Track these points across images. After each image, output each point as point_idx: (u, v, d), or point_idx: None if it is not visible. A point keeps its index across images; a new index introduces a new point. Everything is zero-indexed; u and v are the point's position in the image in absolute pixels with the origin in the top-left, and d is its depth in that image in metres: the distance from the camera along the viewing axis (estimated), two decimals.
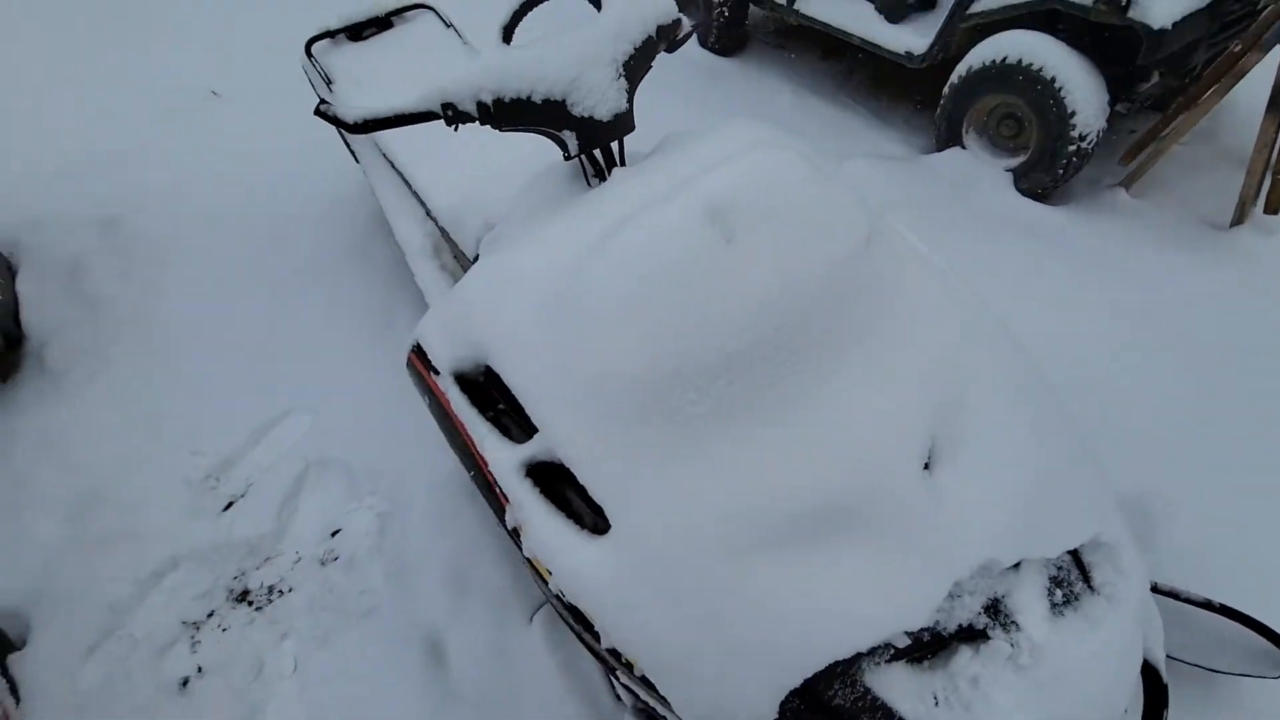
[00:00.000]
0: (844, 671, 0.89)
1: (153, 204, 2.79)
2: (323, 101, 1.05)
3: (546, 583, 1.06)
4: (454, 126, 1.11)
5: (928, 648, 0.92)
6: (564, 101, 1.10)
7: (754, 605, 0.89)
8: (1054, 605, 0.97)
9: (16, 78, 3.63)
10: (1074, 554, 1.03)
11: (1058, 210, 2.48)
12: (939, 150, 2.70)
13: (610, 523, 0.95)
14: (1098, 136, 2.29)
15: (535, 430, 1.03)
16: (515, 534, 1.09)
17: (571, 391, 0.96)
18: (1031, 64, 2.26)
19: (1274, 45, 1.98)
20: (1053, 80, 2.22)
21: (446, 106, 1.07)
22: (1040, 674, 0.90)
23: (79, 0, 4.32)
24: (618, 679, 1.10)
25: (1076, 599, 0.99)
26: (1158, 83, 2.44)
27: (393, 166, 1.93)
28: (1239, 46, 2.06)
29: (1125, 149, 2.51)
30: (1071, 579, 1.00)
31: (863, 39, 2.81)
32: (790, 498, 0.91)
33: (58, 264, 2.53)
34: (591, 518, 1.00)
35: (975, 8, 2.42)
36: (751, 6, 3.42)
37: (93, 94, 3.50)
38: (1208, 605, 1.26)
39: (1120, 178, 2.52)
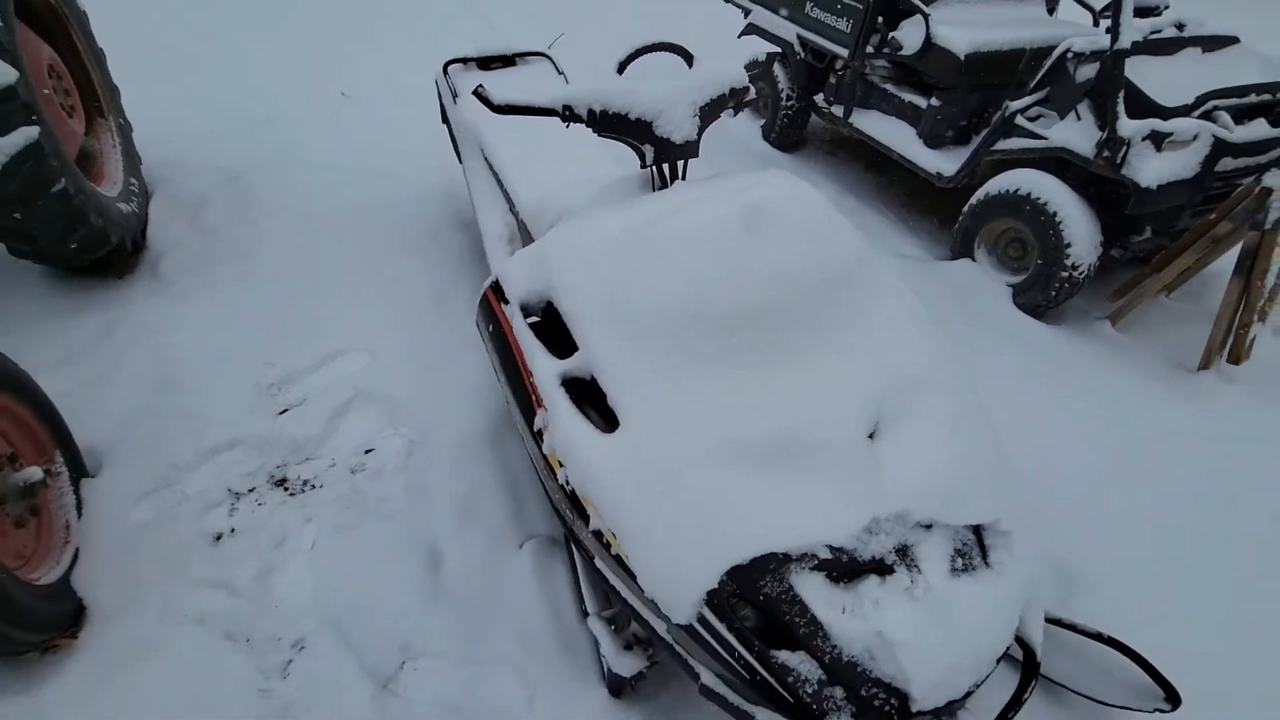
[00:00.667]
0: (775, 568, 1.12)
1: (274, 168, 3.26)
2: (481, 85, 1.43)
3: (556, 477, 1.32)
4: (567, 124, 1.48)
5: (845, 569, 1.15)
6: (651, 123, 1.47)
7: (716, 500, 1.15)
8: (953, 567, 1.20)
9: (189, 53, 4.26)
10: (979, 539, 1.26)
11: (1048, 328, 2.79)
12: (952, 259, 3.05)
13: (620, 422, 1.22)
14: (1089, 270, 2.62)
15: (575, 352, 1.33)
16: (538, 435, 1.37)
17: (613, 320, 1.27)
18: (1039, 198, 2.63)
19: (1244, 221, 2.32)
20: (1055, 214, 2.59)
21: (565, 108, 1.44)
22: (930, 606, 1.13)
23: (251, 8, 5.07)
24: (593, 564, 1.33)
25: (973, 568, 1.22)
26: (1149, 238, 2.79)
27: (489, 165, 2.33)
28: (1214, 216, 2.41)
29: (1115, 289, 2.84)
30: (972, 553, 1.24)
31: (901, 156, 3.24)
32: (757, 428, 1.19)
33: (186, 198, 2.97)
34: (603, 424, 1.27)
35: (999, 145, 2.84)
36: (813, 115, 3.93)
37: (248, 78, 4.11)
38: (1098, 637, 1.46)
39: (1108, 313, 2.83)
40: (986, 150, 2.88)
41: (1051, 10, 3.60)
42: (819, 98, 3.77)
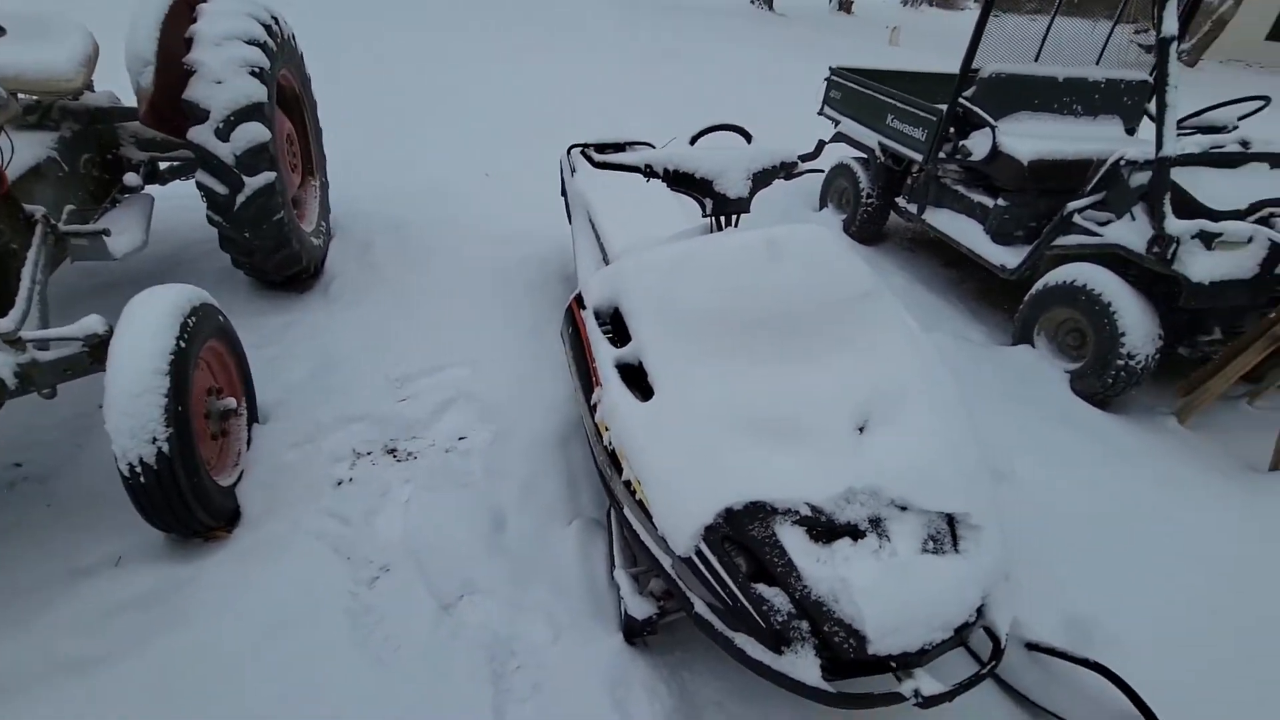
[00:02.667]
0: (762, 516, 1.38)
1: (427, 225, 4.02)
2: (587, 145, 1.93)
3: (602, 440, 1.66)
4: (647, 180, 1.94)
5: (823, 529, 1.38)
6: (711, 181, 1.89)
7: (720, 457, 1.44)
8: (924, 547, 1.40)
9: (375, 139, 5.37)
10: (952, 530, 1.45)
11: (1108, 416, 2.82)
12: (1012, 345, 3.19)
13: (655, 393, 1.56)
14: (1147, 361, 2.68)
15: (629, 342, 1.70)
16: (593, 408, 1.73)
17: (659, 317, 1.64)
18: (1094, 289, 2.78)
19: None
20: (1109, 305, 2.72)
21: (647, 166, 1.90)
22: (892, 567, 1.33)
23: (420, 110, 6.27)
24: (624, 526, 1.61)
25: (942, 551, 1.40)
26: (1219, 338, 2.81)
27: (592, 225, 2.85)
28: (1274, 314, 2.45)
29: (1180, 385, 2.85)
30: (943, 539, 1.42)
31: (969, 249, 3.48)
32: (758, 408, 1.49)
33: (358, 240, 3.74)
34: (642, 398, 1.61)
35: (1058, 241, 3.03)
36: (892, 213, 4.27)
37: (415, 160, 5.11)
38: (1083, 662, 1.53)
39: (1176, 409, 2.83)
40: (1047, 245, 3.08)
41: (1132, 131, 3.81)
42: (899, 199, 4.12)
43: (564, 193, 3.39)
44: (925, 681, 1.27)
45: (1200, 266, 2.47)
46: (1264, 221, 2.53)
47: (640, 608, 1.64)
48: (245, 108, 2.65)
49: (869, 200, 4.23)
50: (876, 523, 1.40)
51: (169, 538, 1.92)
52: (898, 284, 3.90)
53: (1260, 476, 2.52)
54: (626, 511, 1.60)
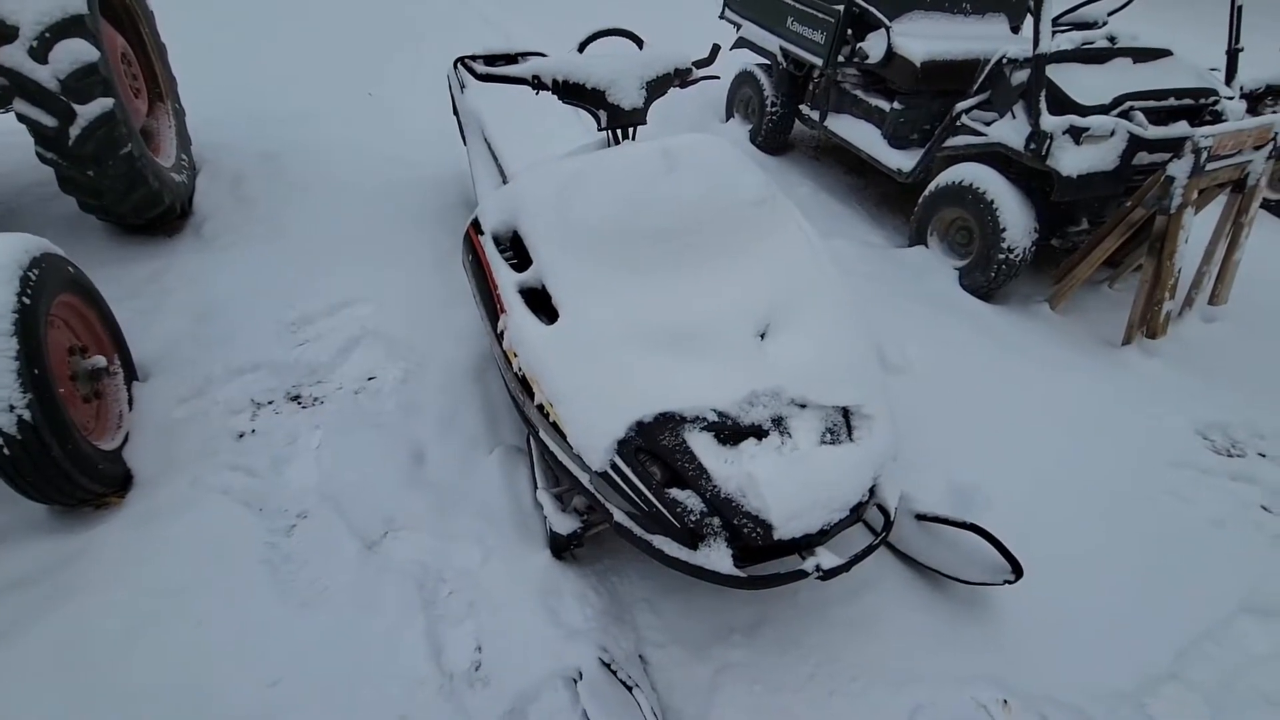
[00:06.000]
0: (672, 426, 1.43)
1: (306, 152, 3.69)
2: (469, 57, 1.79)
3: (512, 366, 1.64)
4: (536, 92, 1.83)
5: (729, 432, 1.45)
6: (604, 91, 1.81)
7: (627, 372, 1.46)
8: (822, 440, 1.49)
9: (240, 56, 4.77)
10: (847, 421, 1.55)
11: (991, 307, 3.05)
12: (908, 246, 3.35)
13: (559, 315, 1.55)
14: (1024, 254, 2.89)
15: (530, 264, 1.66)
16: (500, 336, 1.69)
17: (558, 237, 1.60)
18: (979, 188, 2.93)
19: (1153, 206, 2.59)
20: (992, 202, 2.88)
21: (535, 77, 1.79)
22: (793, 460, 1.42)
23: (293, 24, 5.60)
24: (543, 448, 1.63)
25: (838, 441, 1.51)
26: (1086, 229, 3.06)
27: (488, 144, 2.70)
28: (1129, 204, 2.68)
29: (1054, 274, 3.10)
30: (839, 430, 1.53)
31: (868, 154, 3.56)
32: (662, 321, 1.51)
33: (228, 173, 3.40)
34: (548, 321, 1.59)
35: (948, 143, 3.14)
36: (797, 121, 4.27)
37: (289, 80, 4.61)
38: (962, 524, 1.72)
39: (1048, 296, 3.09)
40: (938, 147, 3.19)
41: (1017, 29, 3.92)
42: (802, 106, 4.11)
43: (455, 111, 3.17)
44: (825, 557, 1.40)
45: (1070, 160, 2.64)
46: (1125, 115, 2.71)
47: (564, 524, 1.69)
48: (61, 21, 2.29)
49: (773, 109, 4.20)
50: (779, 421, 1.48)
51: (52, 510, 1.78)
52: (803, 194, 3.96)
53: (1114, 350, 2.83)
54: (542, 434, 1.61)
